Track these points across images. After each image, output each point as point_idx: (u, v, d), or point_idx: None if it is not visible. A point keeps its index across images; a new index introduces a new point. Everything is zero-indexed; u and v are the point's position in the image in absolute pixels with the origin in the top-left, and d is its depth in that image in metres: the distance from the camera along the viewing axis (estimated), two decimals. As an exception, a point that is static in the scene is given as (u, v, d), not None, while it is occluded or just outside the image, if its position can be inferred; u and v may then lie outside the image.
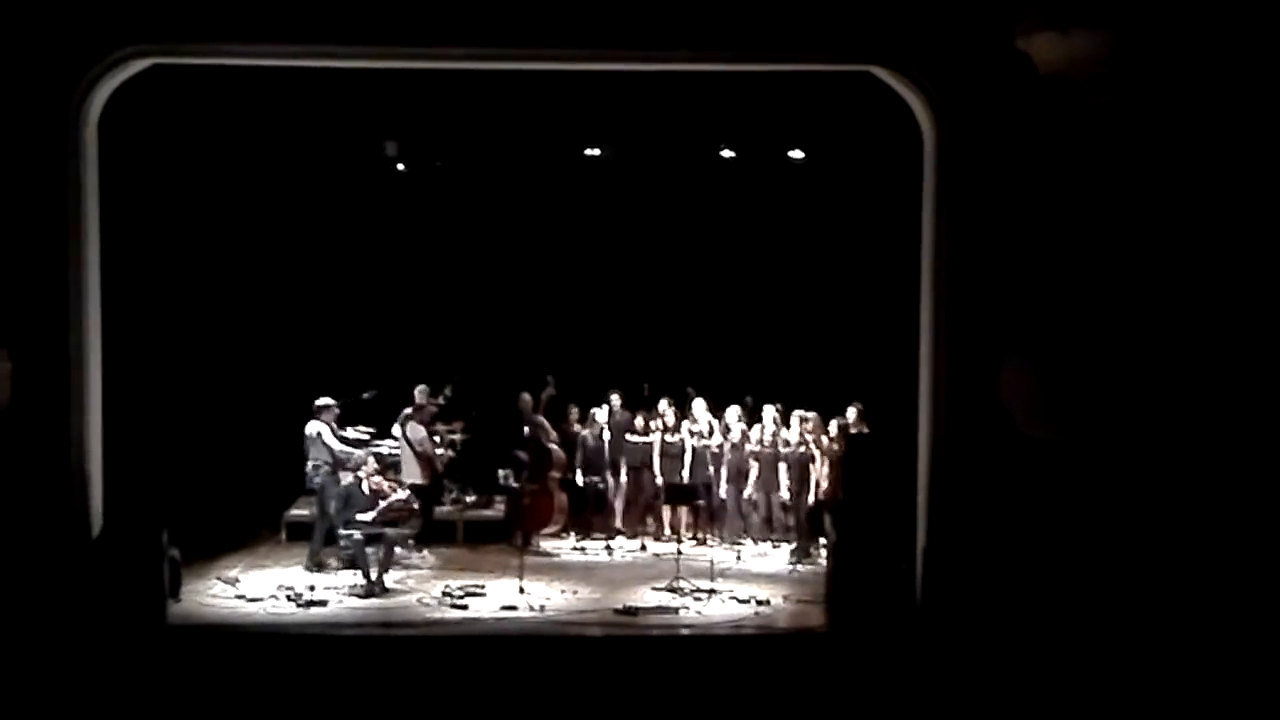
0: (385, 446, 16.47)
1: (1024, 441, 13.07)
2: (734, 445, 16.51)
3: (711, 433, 16.65)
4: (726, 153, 18.29)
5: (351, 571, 14.92)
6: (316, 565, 15.35)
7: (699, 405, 16.82)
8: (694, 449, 16.61)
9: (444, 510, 17.11)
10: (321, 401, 15.80)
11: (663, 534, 16.87)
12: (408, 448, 16.17)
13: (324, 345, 18.30)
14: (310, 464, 15.71)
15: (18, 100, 13.09)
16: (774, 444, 16.36)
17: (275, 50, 13.56)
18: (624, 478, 16.98)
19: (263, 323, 18.33)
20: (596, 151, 18.41)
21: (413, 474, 16.10)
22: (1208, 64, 12.16)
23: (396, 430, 16.52)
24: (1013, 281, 13.31)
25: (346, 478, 15.35)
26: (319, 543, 15.46)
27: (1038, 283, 13.22)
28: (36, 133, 13.16)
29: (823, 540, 15.60)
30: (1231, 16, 12.02)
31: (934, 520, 13.59)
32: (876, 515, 13.82)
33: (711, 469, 16.55)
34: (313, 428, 15.72)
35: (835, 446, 15.92)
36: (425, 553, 16.17)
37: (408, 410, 16.69)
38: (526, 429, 16.88)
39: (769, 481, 16.39)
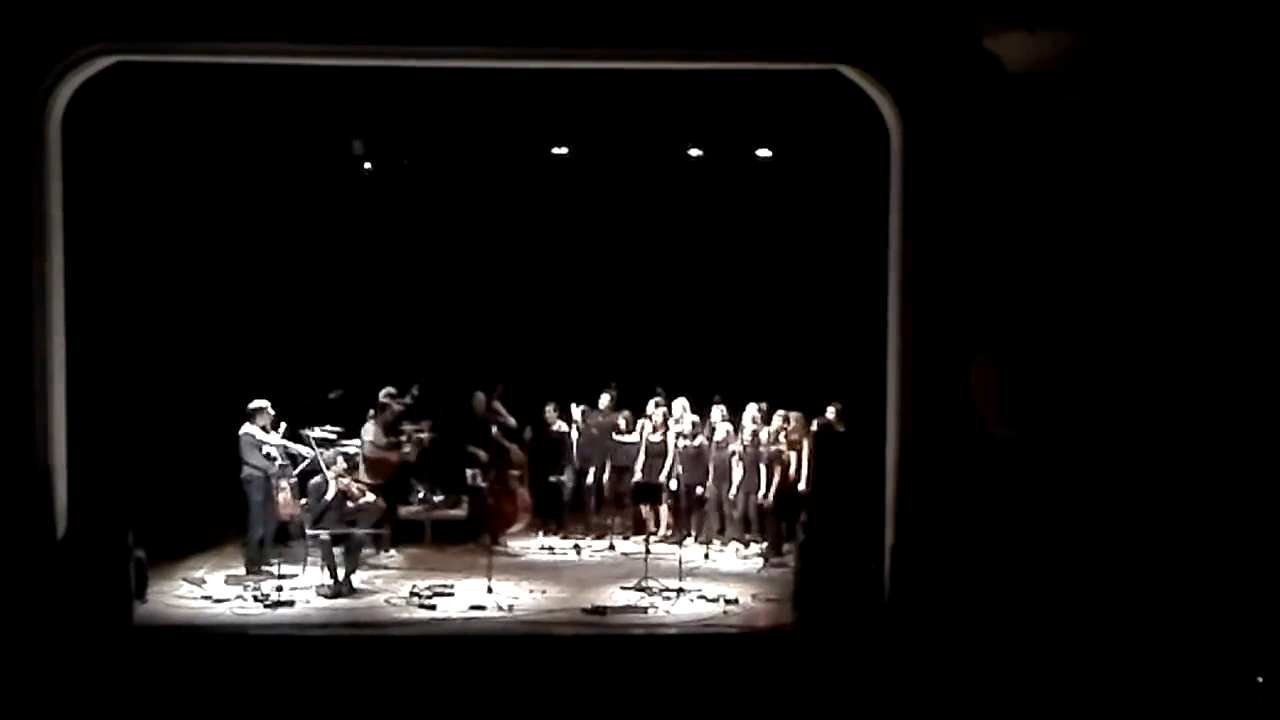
0: (353, 446, 16.40)
1: (991, 440, 13.12)
2: (718, 445, 16.50)
3: (695, 433, 16.63)
4: (694, 151, 18.28)
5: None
6: (256, 568, 15.22)
7: (679, 404, 16.80)
8: (676, 448, 16.57)
9: (411, 510, 17.05)
10: (255, 404, 15.55)
11: (629, 533, 16.84)
12: (360, 447, 16.13)
13: (291, 344, 18.20)
14: (243, 470, 15.43)
15: (-19, 97, 13.02)
16: (755, 443, 16.35)
17: (240, 48, 13.51)
18: (606, 476, 16.94)
19: (229, 321, 18.21)
20: (564, 150, 18.37)
21: (369, 474, 16.08)
22: (1176, 62, 12.22)
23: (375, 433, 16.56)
24: (980, 280, 13.35)
25: (277, 482, 15.29)
26: (255, 548, 15.32)
27: (1005, 281, 13.26)
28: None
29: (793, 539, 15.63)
30: (1200, 15, 12.09)
31: (902, 518, 13.62)
32: (845, 513, 13.84)
33: (682, 468, 16.53)
34: (244, 430, 15.48)
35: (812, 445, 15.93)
36: (393, 552, 16.15)
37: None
38: (495, 428, 16.86)
39: (749, 481, 16.38)
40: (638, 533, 16.70)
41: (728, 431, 16.49)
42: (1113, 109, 12.47)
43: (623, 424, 16.99)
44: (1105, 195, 12.68)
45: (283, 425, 15.97)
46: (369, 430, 16.28)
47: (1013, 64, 12.71)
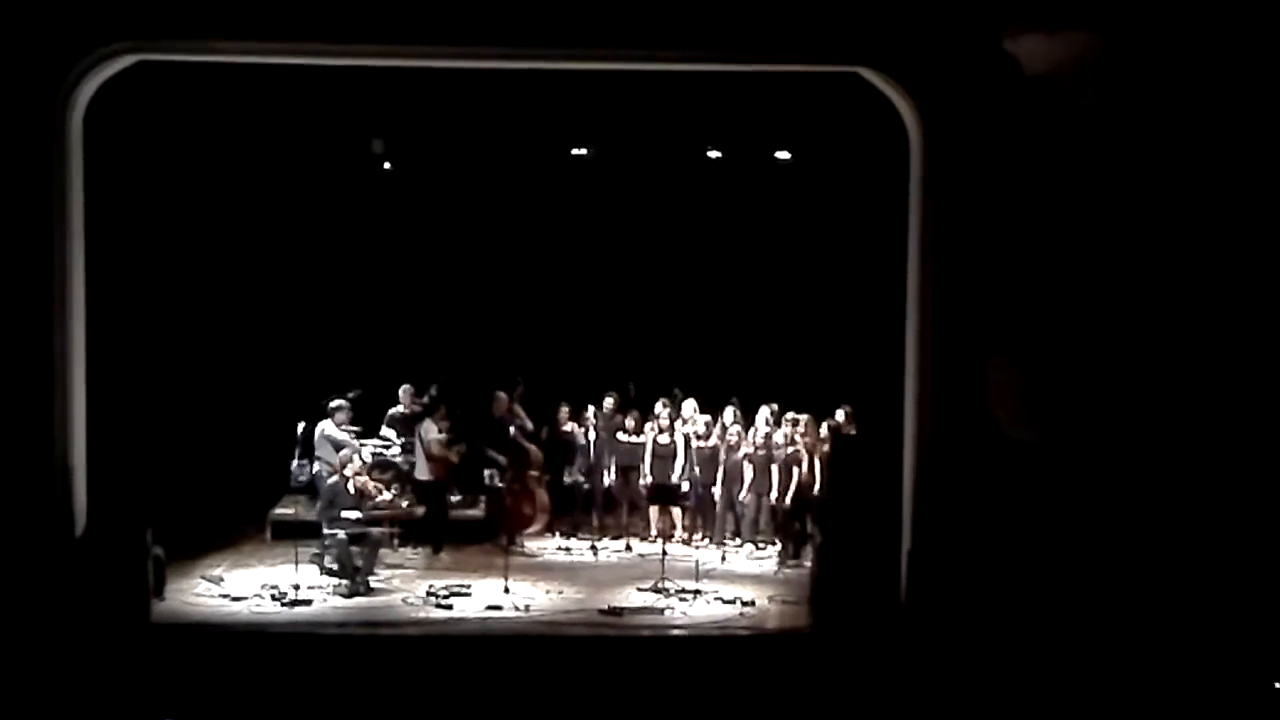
0: (371, 445, 16.44)
1: (1008, 443, 13.09)
2: (730, 446, 16.48)
3: (708, 434, 16.61)
4: (713, 153, 18.27)
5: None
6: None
7: (689, 405, 16.79)
8: (688, 449, 16.55)
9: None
10: (335, 403, 15.91)
11: (650, 534, 16.84)
12: (421, 446, 16.23)
13: (309, 343, 18.23)
14: (315, 465, 15.67)
15: (3, 95, 13.05)
16: (767, 445, 16.33)
17: (261, 47, 13.55)
18: (613, 478, 16.94)
19: (247, 320, 18.26)
20: (583, 151, 18.37)
21: (423, 471, 16.20)
22: (1195, 66, 12.18)
23: (385, 429, 16.57)
24: (999, 283, 13.33)
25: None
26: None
27: (1024, 284, 13.24)
28: (22, 127, 13.14)
29: (809, 542, 15.61)
30: (1219, 18, 12.05)
31: (919, 522, 13.60)
32: (861, 517, 13.83)
33: (698, 469, 16.50)
34: (321, 427, 15.75)
35: (825, 448, 15.91)
36: (421, 551, 16.18)
37: (393, 410, 16.69)
38: (512, 429, 16.86)
39: (760, 483, 16.36)
40: (658, 535, 16.71)
41: (738, 433, 16.46)
42: (1131, 112, 12.43)
43: (630, 424, 16.97)
44: (1123, 198, 12.64)
45: (301, 425, 16.04)
46: (430, 428, 16.35)
47: (1032, 67, 12.69)
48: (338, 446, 15.67)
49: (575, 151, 18.39)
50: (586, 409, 17.08)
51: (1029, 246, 13.19)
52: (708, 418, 16.71)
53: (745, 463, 16.39)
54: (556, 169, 18.59)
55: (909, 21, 13.26)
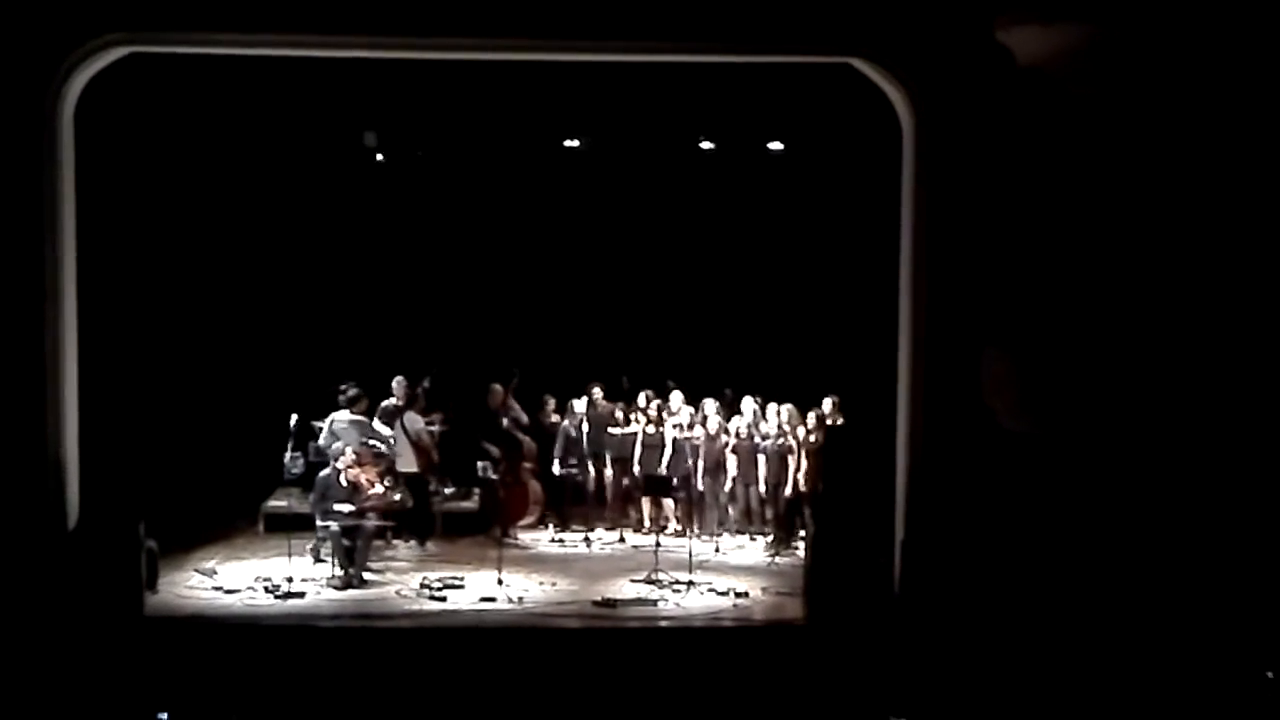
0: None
1: (1003, 434, 13.11)
2: (710, 437, 16.48)
3: (692, 425, 16.60)
4: (706, 144, 18.26)
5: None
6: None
7: (677, 397, 16.79)
8: (674, 441, 16.56)
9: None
10: (353, 392, 15.87)
11: (642, 526, 16.84)
12: (404, 437, 16.22)
13: (301, 335, 18.22)
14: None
15: (-7, 87, 13.05)
16: (751, 435, 16.33)
17: (253, 39, 13.52)
18: (608, 470, 16.92)
19: (240, 313, 18.24)
20: (575, 143, 18.36)
21: (408, 463, 16.17)
22: (1188, 56, 12.20)
23: (378, 423, 16.56)
24: (992, 273, 13.33)
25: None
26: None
27: (1017, 275, 13.25)
28: (11, 120, 13.10)
29: (801, 532, 15.62)
30: (1211, 9, 12.06)
31: (913, 512, 13.60)
32: (855, 507, 13.84)
33: (690, 461, 16.51)
34: (348, 417, 15.75)
35: (812, 438, 15.91)
36: (397, 543, 16.16)
37: (386, 402, 16.67)
38: (505, 420, 16.85)
39: (747, 473, 16.36)
40: (640, 526, 16.71)
41: (720, 424, 16.45)
42: (1124, 103, 12.45)
43: (619, 416, 16.95)
44: (1115, 189, 12.66)
45: (294, 417, 16.02)
46: (416, 419, 16.36)
47: (1025, 57, 12.71)
48: (377, 437, 15.67)
49: (567, 143, 18.37)
50: (574, 400, 17.04)
51: (1022, 237, 13.20)
52: (692, 409, 16.70)
53: (729, 454, 16.38)
54: (549, 161, 18.57)
55: (901, 12, 13.25)
